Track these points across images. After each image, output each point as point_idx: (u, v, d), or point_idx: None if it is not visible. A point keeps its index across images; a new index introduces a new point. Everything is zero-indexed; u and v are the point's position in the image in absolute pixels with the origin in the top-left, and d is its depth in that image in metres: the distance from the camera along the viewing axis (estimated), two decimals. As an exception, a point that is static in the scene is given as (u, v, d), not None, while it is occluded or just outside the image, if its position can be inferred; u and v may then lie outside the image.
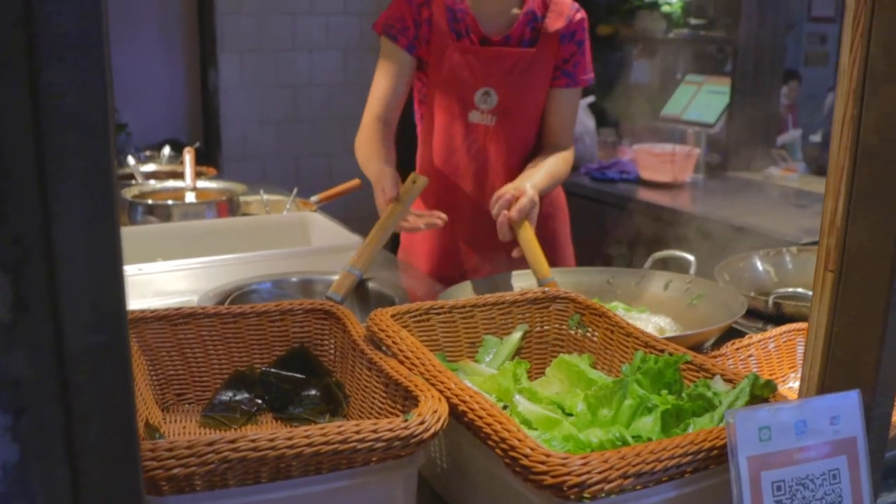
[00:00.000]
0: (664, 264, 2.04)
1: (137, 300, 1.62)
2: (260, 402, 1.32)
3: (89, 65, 0.51)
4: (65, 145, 0.51)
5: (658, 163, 3.86)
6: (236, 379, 1.33)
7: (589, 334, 1.34)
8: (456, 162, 2.18)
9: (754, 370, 1.57)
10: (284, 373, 1.34)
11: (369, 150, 2.10)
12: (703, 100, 4.45)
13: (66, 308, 0.53)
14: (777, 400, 1.04)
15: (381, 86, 2.14)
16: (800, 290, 1.84)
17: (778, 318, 1.84)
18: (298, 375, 1.34)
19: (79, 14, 0.50)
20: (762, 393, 1.04)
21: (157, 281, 1.66)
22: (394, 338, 1.14)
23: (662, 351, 1.20)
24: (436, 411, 0.94)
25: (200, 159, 4.18)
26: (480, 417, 0.94)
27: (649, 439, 0.98)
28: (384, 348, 1.16)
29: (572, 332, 1.37)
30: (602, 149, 4.59)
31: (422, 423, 0.92)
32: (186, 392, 1.32)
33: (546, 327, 1.39)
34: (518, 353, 1.35)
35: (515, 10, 2.14)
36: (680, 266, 2.04)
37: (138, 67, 4.71)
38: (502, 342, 1.34)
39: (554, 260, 2.29)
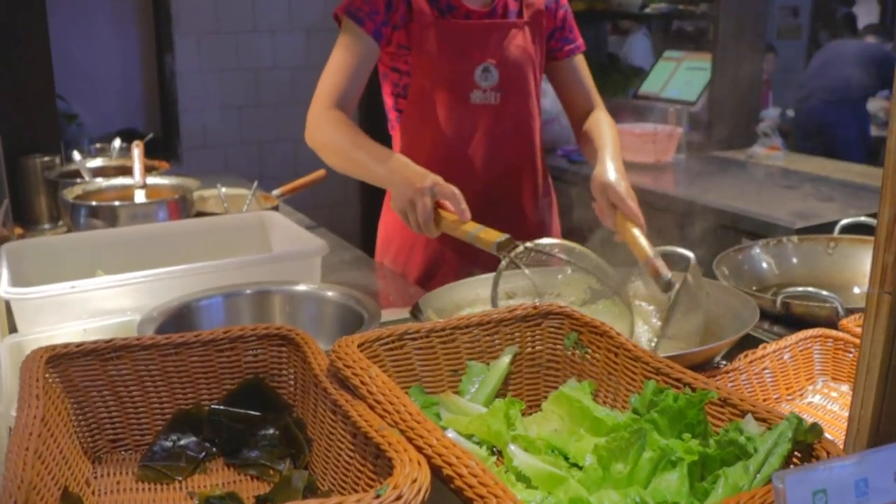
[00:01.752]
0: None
1: (71, 322, 1.42)
2: (209, 445, 1.13)
3: None
4: None
5: (639, 143, 3.69)
6: (180, 420, 1.14)
7: (589, 356, 1.16)
8: (459, 150, 1.97)
9: (769, 383, 1.40)
10: (236, 410, 1.16)
11: (364, 143, 1.77)
12: (682, 77, 4.29)
13: None
14: (825, 447, 0.87)
15: (344, 68, 1.85)
16: (810, 289, 1.68)
17: (785, 318, 1.68)
18: (253, 413, 1.16)
19: None
20: (806, 438, 0.87)
21: (94, 298, 1.46)
22: (362, 376, 0.96)
23: (678, 380, 1.03)
24: (415, 480, 0.76)
25: (158, 149, 3.95)
26: (471, 486, 0.76)
27: (675, 503, 0.81)
28: (351, 387, 0.98)
29: (568, 353, 1.19)
30: (579, 129, 4.41)
31: (398, 498, 0.74)
32: (122, 438, 1.13)
33: (538, 348, 1.21)
34: (507, 379, 1.17)
35: None
36: (674, 261, 1.87)
37: (89, 53, 4.46)
38: (489, 368, 1.16)
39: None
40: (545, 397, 1.20)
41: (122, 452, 1.13)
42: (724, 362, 1.41)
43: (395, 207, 1.69)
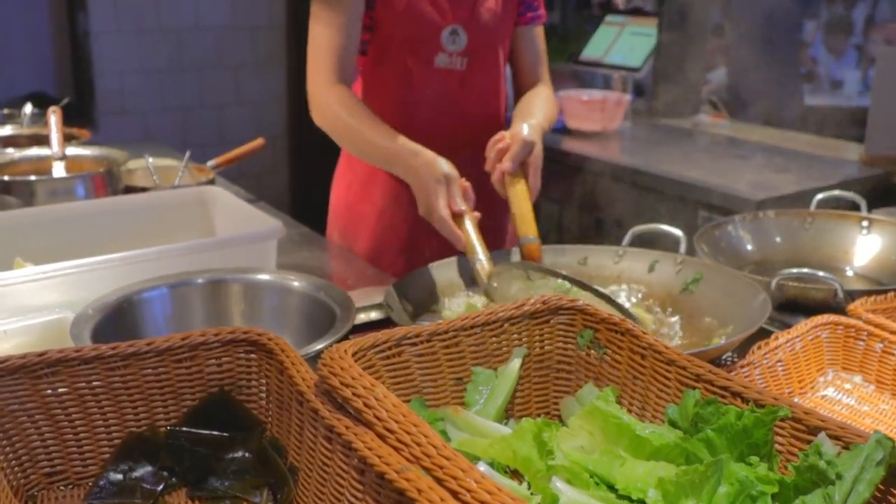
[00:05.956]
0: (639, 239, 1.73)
1: (-12, 323, 1.21)
2: (168, 475, 0.95)
3: None
4: None
5: (586, 111, 3.56)
6: (132, 445, 0.95)
7: (608, 357, 1.02)
8: (421, 118, 1.81)
9: (782, 376, 1.29)
10: (199, 431, 0.98)
11: (370, 122, 1.65)
12: (626, 42, 4.17)
13: None
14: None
15: (338, 30, 1.67)
16: (805, 270, 1.57)
17: (778, 302, 1.57)
18: (219, 433, 0.98)
19: None
20: (898, 462, 0.74)
21: (16, 294, 1.25)
22: (366, 397, 0.79)
23: (725, 388, 0.89)
24: (461, 542, 0.60)
25: (72, 117, 3.62)
26: (530, 548, 0.61)
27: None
28: (351, 411, 0.81)
29: (582, 353, 1.05)
30: (520, 96, 4.26)
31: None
32: (61, 471, 0.94)
33: (547, 348, 1.06)
34: (516, 386, 1.02)
35: None
36: (654, 240, 1.74)
37: (-9, 9, 4.09)
38: (497, 374, 1.01)
39: (504, 238, 1.99)
40: (556, 403, 1.06)
41: (62, 488, 0.93)
42: (734, 356, 1.29)
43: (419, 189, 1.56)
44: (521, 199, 1.57)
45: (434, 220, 1.51)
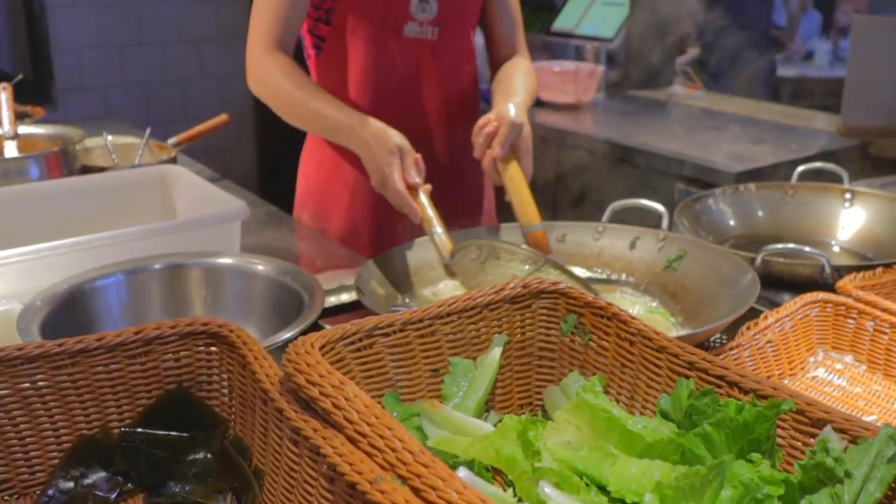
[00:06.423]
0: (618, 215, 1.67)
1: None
2: (123, 480, 0.88)
3: None
4: None
5: (560, 82, 3.49)
6: (83, 449, 0.88)
7: (594, 344, 0.96)
8: (390, 90, 1.73)
9: (771, 358, 1.24)
10: (156, 432, 0.90)
11: (312, 90, 1.57)
12: (598, 12, 4.09)
13: None
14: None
15: (279, 4, 1.58)
16: (791, 245, 1.52)
17: (763, 278, 1.52)
18: (178, 434, 0.91)
19: None
20: (911, 458, 0.69)
21: (-41, 284, 1.17)
22: (335, 397, 0.72)
23: (720, 377, 0.83)
24: (443, 564, 0.54)
25: (30, 94, 3.50)
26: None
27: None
28: (319, 411, 0.74)
29: (566, 339, 0.98)
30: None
31: None
32: (6, 479, 0.86)
33: (528, 334, 0.99)
34: (496, 376, 0.96)
35: None
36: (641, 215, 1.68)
37: (-61, -18, 3.93)
38: (476, 365, 0.94)
39: (477, 218, 1.93)
40: (539, 393, 1.00)
41: (7, 499, 0.86)
42: (723, 338, 1.24)
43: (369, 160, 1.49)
44: (517, 184, 1.49)
45: (389, 193, 1.44)
